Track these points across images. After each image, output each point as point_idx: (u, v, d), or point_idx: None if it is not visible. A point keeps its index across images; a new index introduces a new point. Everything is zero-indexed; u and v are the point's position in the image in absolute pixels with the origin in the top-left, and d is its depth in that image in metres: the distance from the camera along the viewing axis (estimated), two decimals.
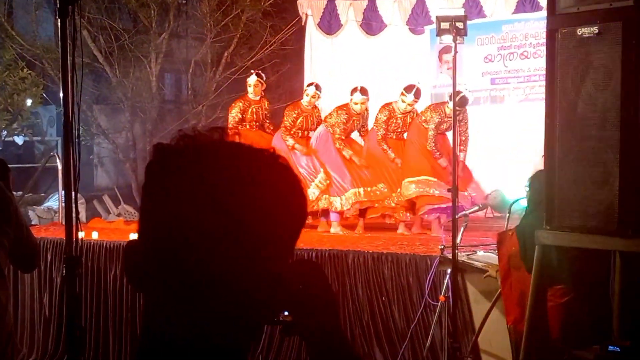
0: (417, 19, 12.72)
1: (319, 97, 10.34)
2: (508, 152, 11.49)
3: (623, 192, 4.52)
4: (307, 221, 1.33)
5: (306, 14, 13.76)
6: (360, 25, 13.29)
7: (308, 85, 10.58)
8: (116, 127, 16.79)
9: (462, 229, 6.56)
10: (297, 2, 14.00)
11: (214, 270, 1.21)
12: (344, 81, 12.42)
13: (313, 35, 13.81)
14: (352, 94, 9.91)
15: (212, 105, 15.09)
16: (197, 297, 1.21)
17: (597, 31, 4.59)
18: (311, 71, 13.24)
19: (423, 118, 9.68)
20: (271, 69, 15.88)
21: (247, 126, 10.67)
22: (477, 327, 6.53)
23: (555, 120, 4.88)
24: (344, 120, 9.91)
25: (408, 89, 9.78)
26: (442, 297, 6.62)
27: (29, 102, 15.53)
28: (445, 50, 11.99)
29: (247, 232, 1.21)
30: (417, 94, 9.74)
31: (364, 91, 9.88)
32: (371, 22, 13.17)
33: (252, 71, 11.13)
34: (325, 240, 8.91)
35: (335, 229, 9.78)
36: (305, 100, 10.28)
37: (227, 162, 1.23)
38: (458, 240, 6.50)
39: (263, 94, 10.93)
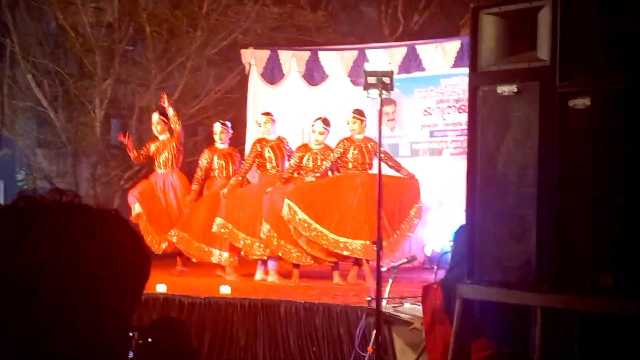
0: (358, 70, 12.82)
1: (228, 132, 10.84)
2: (445, 204, 11.59)
3: (540, 248, 4.59)
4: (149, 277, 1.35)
5: (249, 63, 13.84)
6: (303, 76, 13.40)
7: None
8: (59, 171, 16.71)
9: (390, 280, 6.61)
10: (241, 51, 14.09)
11: (50, 330, 1.21)
12: (286, 129, 12.47)
13: (256, 84, 13.88)
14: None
15: None
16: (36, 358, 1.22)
17: (516, 90, 4.69)
18: (254, 119, 13.27)
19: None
20: (216, 117, 15.93)
21: (162, 166, 10.81)
22: None
23: (476, 176, 4.97)
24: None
25: (316, 120, 10.01)
26: (370, 349, 6.64)
27: None
28: (385, 102, 12.10)
29: (84, 290, 1.23)
30: (326, 122, 9.90)
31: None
32: (313, 73, 13.29)
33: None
34: (260, 289, 8.90)
35: (272, 277, 9.77)
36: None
37: (65, 223, 1.24)
38: (386, 293, 6.54)
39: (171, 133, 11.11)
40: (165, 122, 11.00)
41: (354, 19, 17.88)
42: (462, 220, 6.80)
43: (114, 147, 18.24)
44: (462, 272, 5.10)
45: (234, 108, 15.08)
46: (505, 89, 4.74)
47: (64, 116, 15.57)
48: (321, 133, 9.90)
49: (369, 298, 6.87)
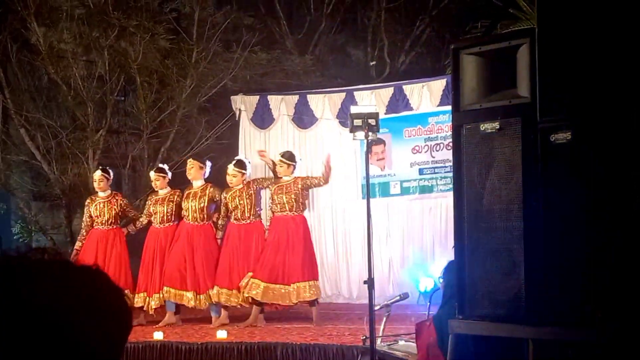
0: (347, 112, 12.96)
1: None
2: (437, 241, 11.66)
3: (529, 281, 4.66)
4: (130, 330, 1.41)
5: (239, 109, 13.97)
6: (292, 120, 13.53)
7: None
8: (54, 223, 16.74)
9: (384, 319, 6.67)
10: (231, 97, 14.23)
11: None
12: None
13: (247, 129, 14.01)
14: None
15: None
16: None
17: (498, 127, 4.79)
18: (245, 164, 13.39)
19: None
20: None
21: (99, 223, 10.96)
22: None
23: (463, 212, 5.04)
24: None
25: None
26: None
27: None
28: (374, 142, 12.25)
29: (64, 346, 1.26)
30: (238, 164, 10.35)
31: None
32: (303, 116, 13.42)
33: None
34: (256, 332, 8.94)
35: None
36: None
37: (45, 281, 1.28)
38: (381, 331, 6.60)
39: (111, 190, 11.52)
40: (107, 179, 11.52)
41: (341, 61, 18.07)
42: (452, 256, 6.91)
43: None
44: (454, 307, 5.17)
45: (225, 154, 15.18)
46: (488, 127, 4.84)
47: (57, 168, 15.63)
48: (234, 175, 10.27)
49: (364, 337, 6.92)
